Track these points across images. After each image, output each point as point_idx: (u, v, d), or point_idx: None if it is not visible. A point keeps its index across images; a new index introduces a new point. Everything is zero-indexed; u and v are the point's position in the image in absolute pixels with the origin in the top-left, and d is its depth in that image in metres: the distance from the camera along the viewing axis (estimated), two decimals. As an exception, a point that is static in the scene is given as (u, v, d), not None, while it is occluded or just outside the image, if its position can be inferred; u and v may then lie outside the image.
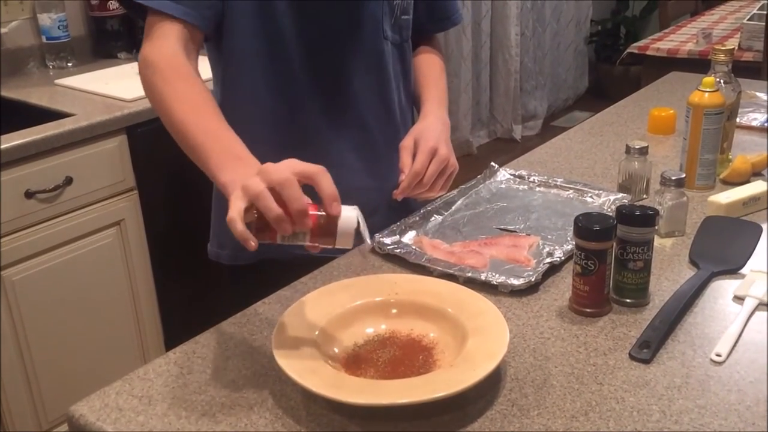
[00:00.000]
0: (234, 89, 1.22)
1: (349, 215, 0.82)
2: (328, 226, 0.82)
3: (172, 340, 2.09)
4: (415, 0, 1.29)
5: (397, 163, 1.20)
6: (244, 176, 0.84)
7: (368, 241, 0.86)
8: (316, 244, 0.83)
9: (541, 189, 1.39)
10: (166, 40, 1.08)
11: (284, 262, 1.14)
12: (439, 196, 1.28)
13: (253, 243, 0.81)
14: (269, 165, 0.83)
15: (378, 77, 1.25)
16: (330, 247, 0.83)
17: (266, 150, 0.95)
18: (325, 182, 0.82)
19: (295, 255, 1.00)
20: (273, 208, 0.79)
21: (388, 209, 1.28)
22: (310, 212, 0.81)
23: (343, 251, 1.13)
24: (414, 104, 1.37)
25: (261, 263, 1.22)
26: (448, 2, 1.38)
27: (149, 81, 1.07)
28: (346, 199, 1.24)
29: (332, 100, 1.23)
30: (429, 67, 1.37)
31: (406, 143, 1.20)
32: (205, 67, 1.19)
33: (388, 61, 1.26)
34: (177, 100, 1.03)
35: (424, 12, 1.34)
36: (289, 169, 0.81)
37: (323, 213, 0.82)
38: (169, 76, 1.05)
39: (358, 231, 0.83)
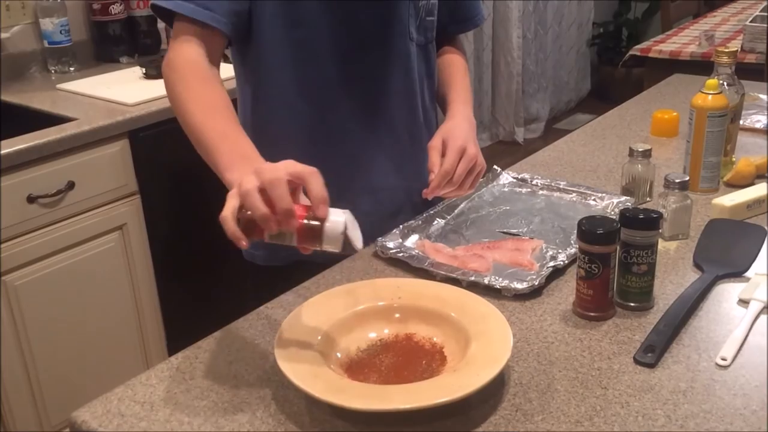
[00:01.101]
0: (265, 95, 1.23)
1: (337, 219, 0.82)
2: (315, 229, 0.82)
3: (174, 345, 2.09)
4: (438, 0, 1.30)
5: (423, 162, 1.20)
6: (245, 175, 0.84)
7: (358, 247, 0.85)
8: (304, 246, 0.83)
9: (544, 192, 1.38)
10: (188, 44, 1.10)
11: (318, 264, 1.14)
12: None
13: (244, 242, 0.81)
14: (265, 164, 0.84)
15: (405, 78, 1.26)
16: (318, 249, 0.83)
17: (297, 152, 0.96)
18: (315, 184, 0.82)
19: (326, 257, 1.00)
20: (258, 206, 0.79)
21: (413, 209, 1.30)
22: (298, 213, 0.81)
23: (343, 255, 1.12)
24: (439, 104, 1.38)
25: (295, 264, 1.21)
26: (471, 2, 1.39)
27: (171, 83, 1.09)
28: (372, 199, 1.24)
29: (362, 103, 1.24)
30: (453, 67, 1.38)
31: (435, 143, 1.20)
32: (228, 70, 1.22)
33: (414, 62, 1.27)
34: (192, 102, 1.05)
35: (446, 13, 1.35)
36: (283, 169, 0.82)
37: (311, 215, 0.82)
38: (188, 78, 1.07)
39: (348, 236, 0.82)
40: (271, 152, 0.97)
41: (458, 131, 1.22)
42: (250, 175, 0.82)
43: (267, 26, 1.17)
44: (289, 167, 0.82)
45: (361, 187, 1.27)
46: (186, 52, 1.10)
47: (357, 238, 0.85)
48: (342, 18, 1.18)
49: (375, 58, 1.22)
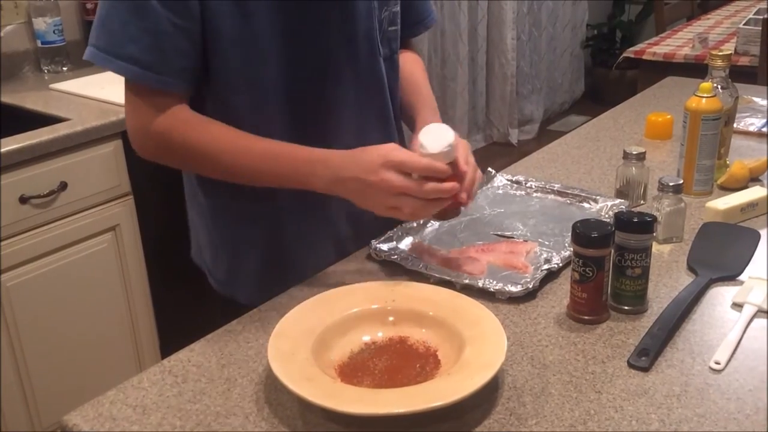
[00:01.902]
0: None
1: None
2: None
3: (167, 347, 2.08)
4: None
5: None
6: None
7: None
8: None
9: (539, 195, 1.38)
10: (164, 107, 1.07)
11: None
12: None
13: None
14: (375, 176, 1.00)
15: (378, 97, 1.22)
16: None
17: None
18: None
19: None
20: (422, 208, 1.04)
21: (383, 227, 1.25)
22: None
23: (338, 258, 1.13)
24: (402, 113, 1.32)
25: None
26: (420, 2, 1.33)
27: (167, 145, 1.08)
28: (352, 223, 1.26)
29: (341, 130, 1.18)
30: (413, 74, 1.33)
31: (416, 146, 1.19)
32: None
33: (384, 79, 1.22)
34: (216, 141, 1.06)
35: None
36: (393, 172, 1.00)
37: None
38: (194, 126, 1.07)
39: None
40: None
41: None
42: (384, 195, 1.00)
43: (226, 73, 1.09)
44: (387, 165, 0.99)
45: (343, 212, 1.22)
46: (169, 114, 1.07)
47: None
48: (303, 50, 1.11)
49: (347, 81, 1.16)
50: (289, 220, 1.19)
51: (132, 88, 1.08)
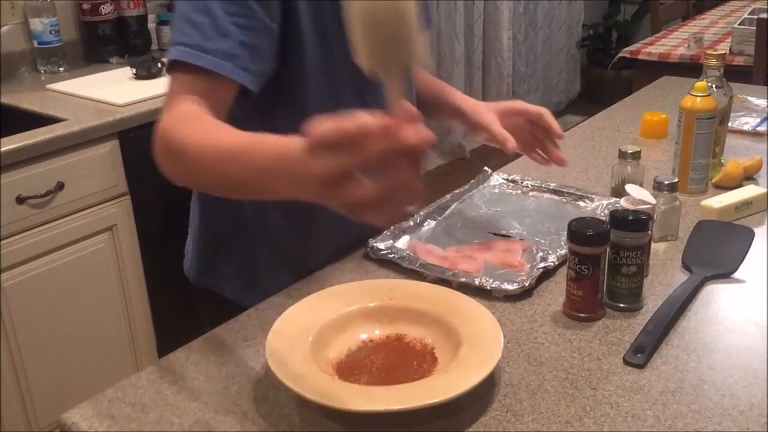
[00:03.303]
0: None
1: None
2: None
3: (164, 346, 2.08)
4: None
5: None
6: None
7: None
8: None
9: (535, 194, 1.39)
10: (190, 103, 0.94)
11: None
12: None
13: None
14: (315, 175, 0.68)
15: (408, 98, 1.21)
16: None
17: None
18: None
19: None
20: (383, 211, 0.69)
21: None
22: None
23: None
24: (440, 110, 1.34)
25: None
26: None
27: (158, 146, 0.94)
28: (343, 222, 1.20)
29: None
30: (424, 75, 1.36)
31: (490, 117, 1.20)
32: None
33: (412, 80, 1.24)
34: (198, 150, 0.88)
35: None
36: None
37: None
38: (184, 128, 0.91)
39: None
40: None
41: (504, 101, 1.24)
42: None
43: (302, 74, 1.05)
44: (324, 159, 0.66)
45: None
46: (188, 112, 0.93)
47: None
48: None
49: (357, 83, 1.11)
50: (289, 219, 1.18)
51: (194, 82, 0.94)
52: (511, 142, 1.17)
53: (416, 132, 0.64)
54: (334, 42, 1.05)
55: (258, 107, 1.04)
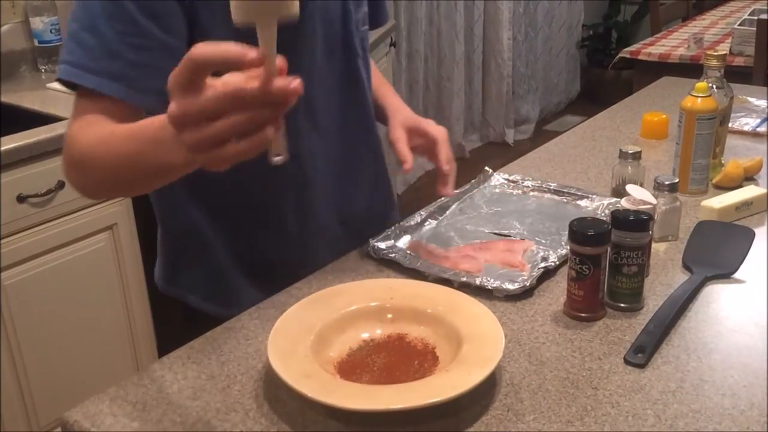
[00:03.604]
0: None
1: None
2: None
3: (164, 346, 2.08)
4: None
5: (382, 174, 1.19)
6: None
7: None
8: None
9: (535, 194, 1.39)
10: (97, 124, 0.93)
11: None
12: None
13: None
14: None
15: (357, 96, 1.20)
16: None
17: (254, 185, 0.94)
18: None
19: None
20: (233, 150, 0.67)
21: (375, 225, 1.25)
22: None
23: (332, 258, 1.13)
24: None
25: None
26: (374, 2, 1.26)
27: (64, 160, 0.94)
28: (336, 224, 1.19)
29: (317, 130, 1.14)
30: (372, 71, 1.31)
31: (398, 134, 1.17)
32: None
33: (362, 78, 1.20)
34: (90, 152, 0.89)
35: None
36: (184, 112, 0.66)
37: None
38: (79, 137, 0.91)
39: None
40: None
41: (419, 117, 1.21)
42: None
43: None
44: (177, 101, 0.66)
45: (334, 213, 1.21)
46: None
47: None
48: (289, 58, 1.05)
49: (331, 85, 1.14)
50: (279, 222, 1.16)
51: (90, 101, 0.93)
52: (406, 165, 1.14)
53: (284, 87, 0.64)
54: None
55: None
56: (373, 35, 2.97)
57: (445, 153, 1.16)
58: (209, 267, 1.18)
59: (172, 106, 0.66)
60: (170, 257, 1.24)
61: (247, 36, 0.88)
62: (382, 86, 1.31)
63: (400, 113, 1.24)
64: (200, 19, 0.96)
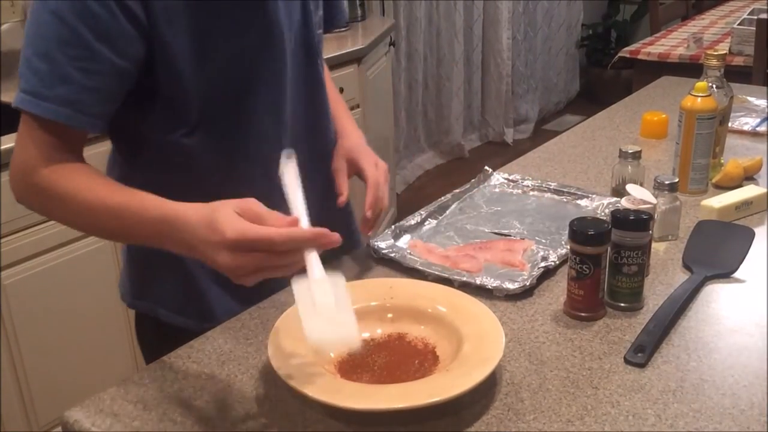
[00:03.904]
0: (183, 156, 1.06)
1: None
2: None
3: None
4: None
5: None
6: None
7: None
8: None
9: (535, 193, 1.39)
10: (54, 147, 0.97)
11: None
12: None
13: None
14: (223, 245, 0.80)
15: (317, 100, 1.17)
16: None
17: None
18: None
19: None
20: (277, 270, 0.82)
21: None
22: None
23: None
24: None
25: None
26: (331, 2, 1.24)
27: (31, 187, 0.98)
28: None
29: (280, 135, 1.10)
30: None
31: (340, 165, 1.17)
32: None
33: (323, 81, 1.18)
34: (75, 194, 0.95)
35: None
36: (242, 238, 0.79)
37: None
38: (68, 172, 0.97)
39: None
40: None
41: (362, 149, 1.19)
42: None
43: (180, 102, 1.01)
44: (241, 228, 0.79)
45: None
46: (51, 153, 0.96)
47: None
48: (249, 60, 1.03)
49: (293, 89, 1.10)
50: None
51: (42, 125, 0.95)
52: (340, 198, 1.15)
53: (323, 241, 0.82)
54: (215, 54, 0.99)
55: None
56: (372, 34, 2.97)
57: (371, 198, 1.12)
58: (180, 277, 1.11)
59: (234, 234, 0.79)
60: (136, 268, 1.17)
61: (207, 48, 0.97)
62: (337, 104, 1.27)
63: (347, 139, 1.22)
64: (160, 36, 0.94)
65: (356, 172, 1.18)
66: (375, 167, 1.16)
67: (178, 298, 1.13)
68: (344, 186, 1.16)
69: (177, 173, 1.04)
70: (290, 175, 0.89)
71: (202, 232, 0.82)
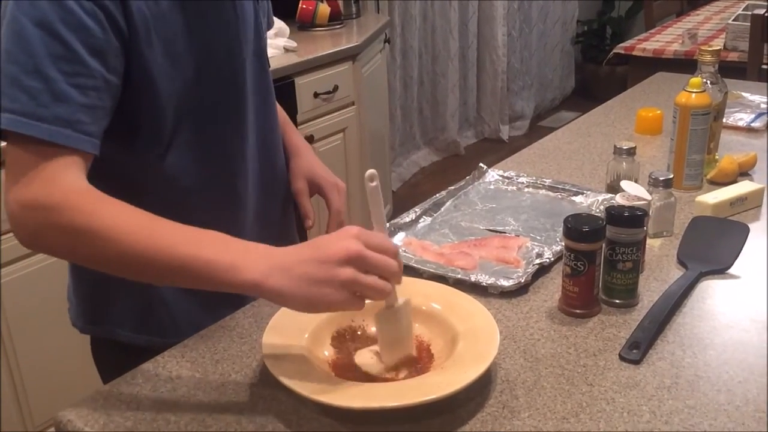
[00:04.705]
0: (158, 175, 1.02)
1: None
2: None
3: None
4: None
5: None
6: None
7: None
8: None
9: (530, 190, 1.39)
10: (65, 175, 0.86)
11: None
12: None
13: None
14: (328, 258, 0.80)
15: (271, 109, 1.16)
16: None
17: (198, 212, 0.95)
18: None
19: None
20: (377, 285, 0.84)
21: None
22: None
23: None
24: None
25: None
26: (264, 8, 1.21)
27: (54, 224, 0.84)
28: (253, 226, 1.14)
29: (241, 146, 1.08)
30: None
31: (302, 186, 1.17)
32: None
33: (273, 90, 1.17)
34: (117, 227, 0.83)
35: None
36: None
37: None
38: (92, 206, 0.85)
39: None
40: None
41: (319, 168, 1.20)
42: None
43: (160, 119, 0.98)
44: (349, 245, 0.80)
45: (258, 228, 1.14)
46: (66, 184, 0.85)
47: None
48: (216, 69, 1.02)
49: (252, 98, 1.08)
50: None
51: (33, 150, 0.85)
52: (309, 221, 1.16)
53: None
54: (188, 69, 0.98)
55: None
56: (367, 31, 2.97)
57: (334, 228, 1.12)
58: (136, 293, 1.05)
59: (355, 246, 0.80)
60: (87, 289, 1.11)
61: (178, 63, 0.97)
62: (285, 124, 1.25)
63: (300, 157, 1.21)
64: (139, 51, 0.92)
65: (317, 192, 1.19)
66: (337, 192, 1.17)
67: (137, 316, 1.08)
68: (309, 208, 1.17)
69: (149, 196, 0.96)
70: (375, 194, 0.84)
71: (306, 252, 0.81)
